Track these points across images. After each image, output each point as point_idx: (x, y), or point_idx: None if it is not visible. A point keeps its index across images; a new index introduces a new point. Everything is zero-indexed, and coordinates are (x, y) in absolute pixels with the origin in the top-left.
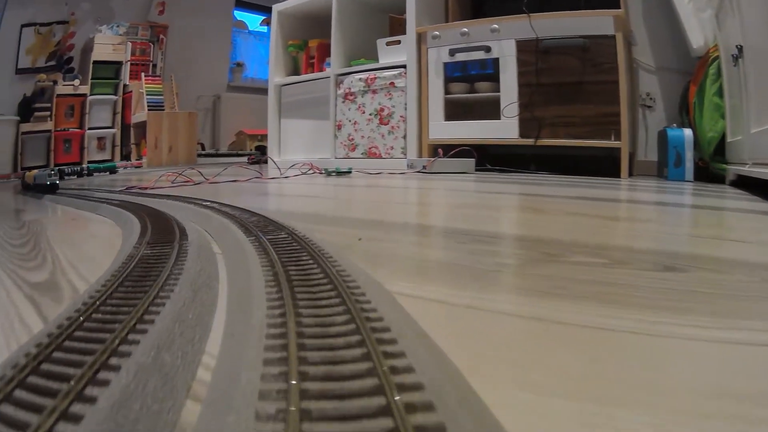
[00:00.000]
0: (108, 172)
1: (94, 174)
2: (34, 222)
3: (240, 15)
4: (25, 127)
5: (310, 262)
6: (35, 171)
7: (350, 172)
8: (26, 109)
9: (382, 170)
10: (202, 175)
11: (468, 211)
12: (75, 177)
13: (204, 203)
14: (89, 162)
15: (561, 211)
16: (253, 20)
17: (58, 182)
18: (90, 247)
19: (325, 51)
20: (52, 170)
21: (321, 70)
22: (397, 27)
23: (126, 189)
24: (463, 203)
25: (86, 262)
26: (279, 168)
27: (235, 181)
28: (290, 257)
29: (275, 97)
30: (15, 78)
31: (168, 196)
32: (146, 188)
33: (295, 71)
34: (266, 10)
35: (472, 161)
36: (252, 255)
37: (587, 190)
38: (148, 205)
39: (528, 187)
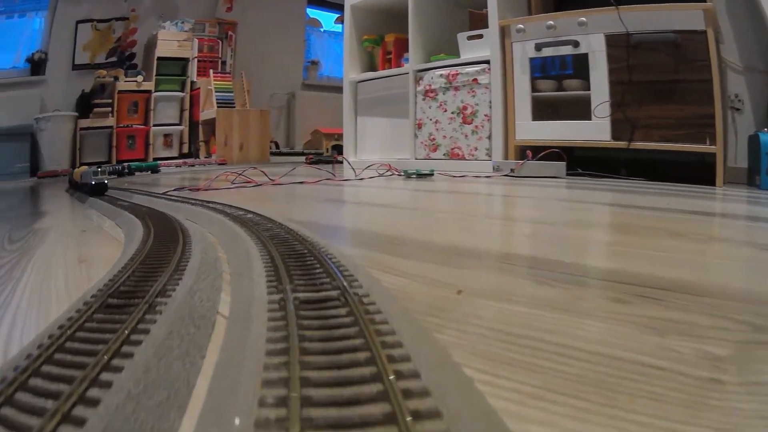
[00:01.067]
0: (150, 171)
1: (136, 173)
2: (38, 232)
3: (313, 12)
4: (84, 122)
5: (371, 382)
6: (83, 168)
7: (432, 175)
8: (85, 105)
9: (466, 173)
10: (266, 175)
11: (589, 233)
12: (116, 176)
13: (247, 215)
14: (155, 158)
15: (700, 234)
16: (326, 18)
17: (107, 182)
18: (64, 280)
19: (402, 46)
20: (99, 167)
21: (398, 65)
22: (477, 23)
23: (175, 190)
24: (576, 220)
25: (35, 311)
26: (354, 168)
27: (302, 182)
28: (329, 368)
29: (351, 94)
30: (72, 74)
31: (208, 204)
32: (198, 189)
33: (372, 67)
34: (339, 8)
35: (562, 165)
36: (256, 355)
37: (699, 201)
38: (172, 216)
39: (634, 198)
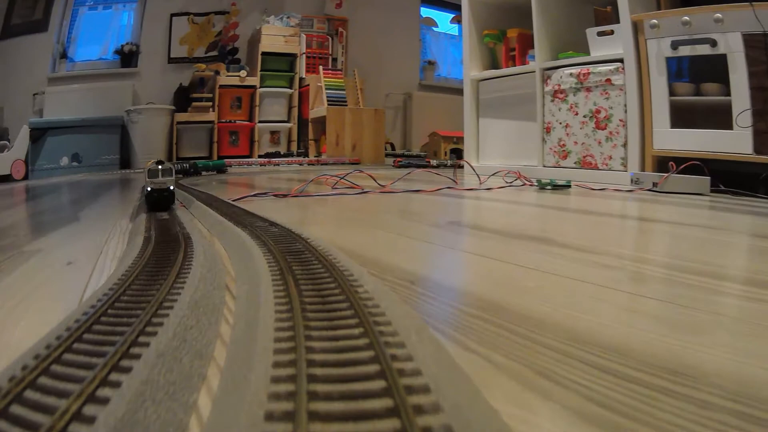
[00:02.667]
0: (215, 171)
1: (202, 173)
2: (19, 257)
3: (427, 12)
4: (182, 116)
5: None
6: (150, 163)
7: (569, 187)
8: (182, 99)
9: (603, 185)
10: (374, 179)
11: None
12: (182, 176)
13: (313, 262)
14: (260, 155)
15: None
16: (441, 18)
17: (172, 188)
18: None
19: (526, 42)
20: (160, 165)
21: (523, 63)
22: (601, 21)
23: (254, 195)
24: None
25: None
26: (478, 175)
27: (418, 191)
28: None
29: (472, 94)
30: (168, 67)
31: (272, 227)
32: (285, 195)
33: (494, 65)
34: (454, 7)
35: (706, 180)
36: None
37: None
38: (190, 252)
39: None
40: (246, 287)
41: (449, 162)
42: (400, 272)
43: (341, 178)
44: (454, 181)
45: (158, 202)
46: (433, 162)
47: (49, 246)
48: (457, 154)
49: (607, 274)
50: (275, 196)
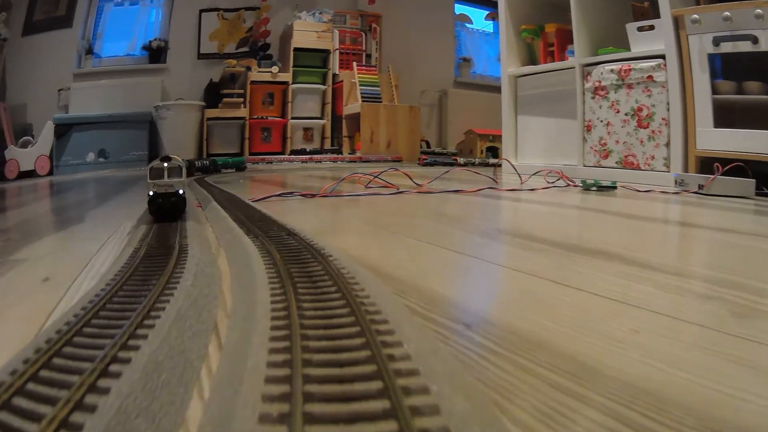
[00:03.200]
0: (234, 169)
1: (221, 170)
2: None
3: (462, 8)
4: (212, 112)
5: None
6: (155, 162)
7: (615, 188)
8: (213, 95)
9: (648, 187)
10: (410, 178)
11: None
12: (201, 174)
13: (332, 295)
14: (292, 151)
15: None
16: (476, 14)
17: (182, 192)
18: None
19: (565, 37)
20: (166, 162)
21: (562, 59)
22: (639, 17)
23: (279, 195)
24: None
25: None
26: (519, 174)
27: (458, 191)
28: None
29: (510, 90)
30: (198, 63)
31: (289, 236)
32: (313, 195)
33: (532, 60)
34: (489, 4)
35: (751, 182)
36: None
37: None
38: (181, 262)
39: None
40: (237, 334)
41: (476, 161)
42: (449, 307)
43: (375, 177)
44: (495, 180)
45: (164, 209)
46: (461, 160)
47: (36, 254)
48: (493, 152)
49: (707, 309)
50: (303, 195)
